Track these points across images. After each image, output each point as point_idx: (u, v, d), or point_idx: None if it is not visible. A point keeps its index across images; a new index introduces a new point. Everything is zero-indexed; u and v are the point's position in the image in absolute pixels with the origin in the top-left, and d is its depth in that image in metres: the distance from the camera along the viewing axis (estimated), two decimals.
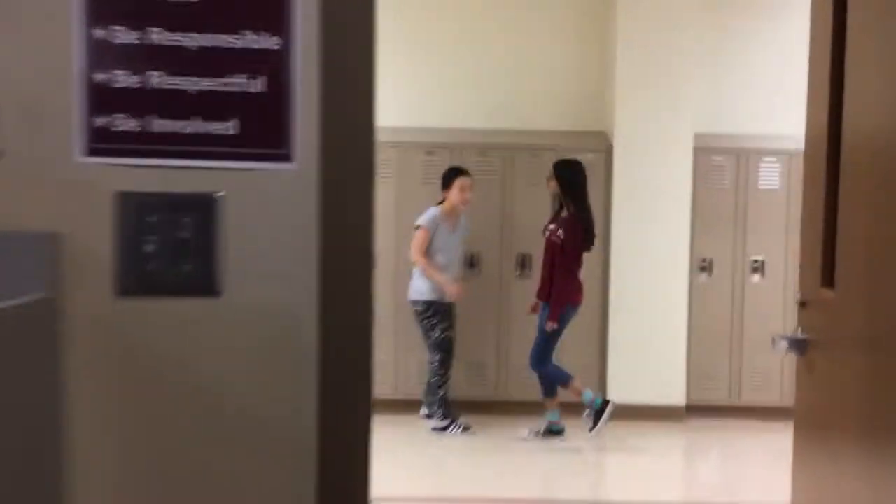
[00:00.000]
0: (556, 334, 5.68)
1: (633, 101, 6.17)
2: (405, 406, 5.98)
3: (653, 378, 6.19)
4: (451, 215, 5.81)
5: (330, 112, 1.34)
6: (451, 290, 5.70)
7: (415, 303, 5.80)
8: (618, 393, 6.04)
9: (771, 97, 6.49)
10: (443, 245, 5.76)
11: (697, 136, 6.20)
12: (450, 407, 5.85)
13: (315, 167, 1.34)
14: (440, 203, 5.83)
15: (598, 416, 5.81)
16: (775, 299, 6.26)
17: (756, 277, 6.30)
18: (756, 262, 6.29)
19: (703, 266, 6.31)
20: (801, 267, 2.67)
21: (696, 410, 6.27)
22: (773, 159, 6.28)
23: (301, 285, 1.36)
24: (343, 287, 1.41)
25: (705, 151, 6.25)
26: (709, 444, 6.00)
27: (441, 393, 5.82)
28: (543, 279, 5.75)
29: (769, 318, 6.26)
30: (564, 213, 5.67)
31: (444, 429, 5.81)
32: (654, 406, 6.16)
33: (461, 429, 5.80)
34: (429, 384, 5.85)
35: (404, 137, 6.21)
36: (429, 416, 5.99)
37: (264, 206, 1.35)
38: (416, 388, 6.10)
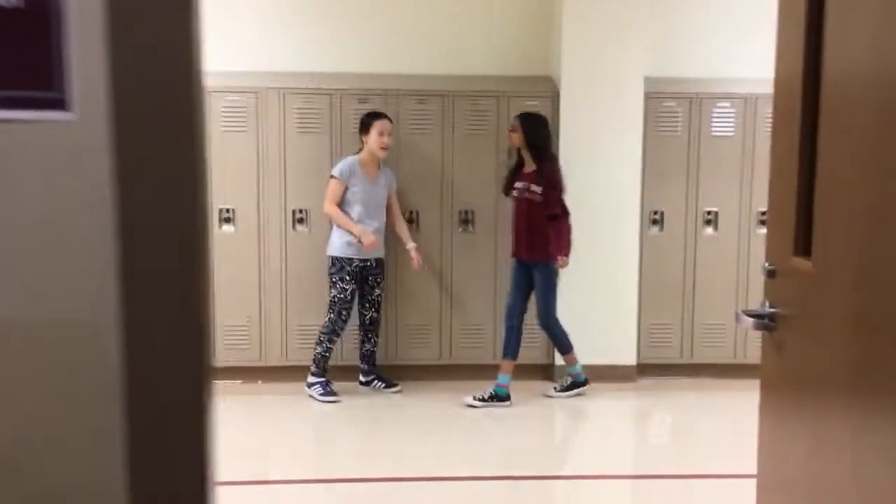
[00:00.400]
0: (552, 285, 5.42)
1: (581, 44, 5.76)
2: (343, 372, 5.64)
3: (603, 337, 5.89)
4: (370, 163, 5.40)
5: (124, 39, 0.91)
6: (367, 240, 5.32)
7: (328, 259, 5.43)
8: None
9: (726, 38, 6.13)
10: (362, 196, 5.36)
11: (648, 81, 5.82)
12: (324, 369, 5.48)
13: (104, 118, 0.92)
14: (358, 152, 5.40)
15: (571, 387, 5.54)
16: (728, 253, 5.99)
17: (709, 230, 6.00)
18: (709, 213, 5.99)
19: (654, 219, 5.98)
20: (769, 231, 2.31)
21: (647, 370, 6.01)
22: (728, 104, 5.95)
23: (92, 293, 0.94)
24: (159, 288, 1.00)
25: (656, 97, 5.88)
26: (661, 406, 5.74)
27: (318, 350, 5.45)
28: (518, 238, 5.43)
29: (722, 272, 5.99)
30: (528, 169, 5.32)
31: (312, 388, 5.46)
32: (604, 366, 5.88)
33: (329, 395, 5.43)
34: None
35: (335, 84, 5.75)
36: (364, 383, 5.63)
37: (26, 173, 0.93)
38: (354, 353, 5.74)
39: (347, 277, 5.39)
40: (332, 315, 5.44)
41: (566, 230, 5.38)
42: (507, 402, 5.44)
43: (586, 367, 5.75)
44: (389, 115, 5.59)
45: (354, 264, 5.39)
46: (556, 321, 5.50)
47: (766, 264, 2.25)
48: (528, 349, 5.68)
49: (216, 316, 5.73)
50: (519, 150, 5.45)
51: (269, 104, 5.66)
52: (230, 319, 5.74)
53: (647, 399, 5.81)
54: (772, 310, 2.20)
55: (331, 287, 5.44)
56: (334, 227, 5.43)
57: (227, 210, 5.68)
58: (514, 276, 5.54)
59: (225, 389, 5.68)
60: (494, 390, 5.44)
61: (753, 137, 5.92)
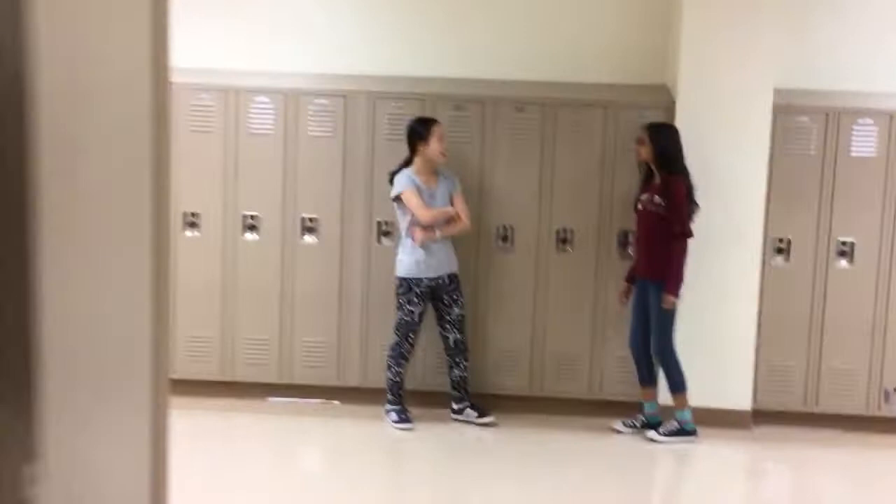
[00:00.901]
0: (673, 314, 4.90)
1: (702, 48, 5.17)
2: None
3: (716, 377, 5.25)
4: (427, 173, 4.99)
5: None
6: (450, 210, 4.99)
7: (395, 280, 5.08)
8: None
9: (868, 49, 5.43)
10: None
11: (778, 92, 5.17)
12: (401, 397, 5.08)
13: None
14: (405, 164, 4.99)
15: (677, 433, 4.96)
16: (865, 288, 5.26)
17: (843, 262, 5.28)
18: (844, 244, 5.27)
19: (779, 247, 5.31)
20: None
21: (764, 417, 5.32)
22: (870, 121, 5.22)
23: None
24: None
25: (787, 110, 5.22)
26: (778, 457, 5.05)
27: (388, 376, 5.07)
28: (640, 257, 4.98)
29: (857, 311, 5.26)
30: (657, 180, 4.86)
31: (388, 415, 5.08)
32: (715, 410, 5.23)
33: (406, 423, 5.02)
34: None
35: (429, 89, 5.36)
36: (455, 412, 5.18)
37: None
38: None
39: (415, 299, 5.00)
40: (397, 338, 5.06)
41: (678, 254, 4.81)
42: (694, 436, 4.97)
43: (695, 410, 5.14)
44: (487, 124, 5.18)
45: (423, 285, 4.99)
46: (672, 352, 4.94)
47: None
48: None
49: (293, 331, 5.42)
50: (648, 164, 4.93)
51: (358, 109, 5.32)
52: (308, 335, 5.41)
53: (763, 451, 5.12)
54: None
55: (397, 309, 5.06)
56: (402, 246, 5.05)
57: (312, 220, 5.37)
58: (635, 299, 5.05)
59: (300, 409, 5.36)
60: (683, 427, 4.97)
61: None
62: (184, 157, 5.22)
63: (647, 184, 4.98)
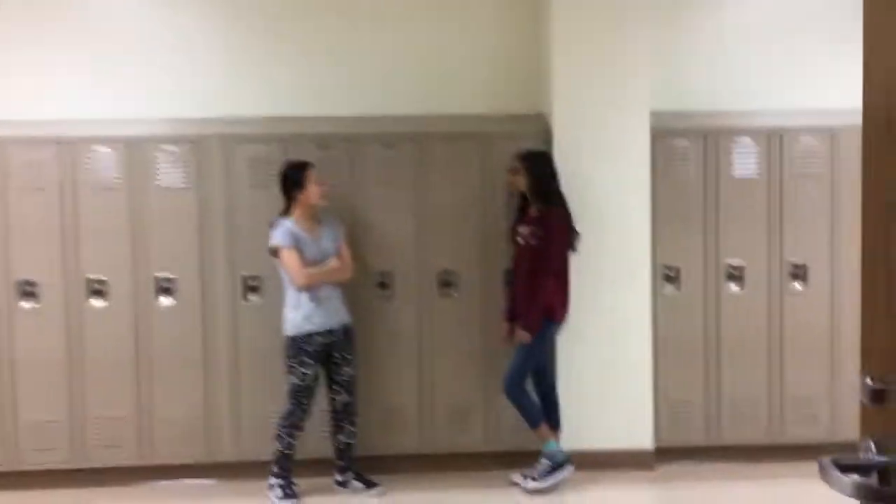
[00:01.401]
0: (533, 354, 4.58)
1: (574, 73, 4.94)
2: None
3: (613, 417, 4.97)
4: (308, 219, 4.57)
5: None
6: (334, 265, 4.57)
7: (284, 340, 4.56)
8: (569, 436, 4.81)
9: (742, 68, 5.34)
10: (311, 261, 4.51)
11: (654, 115, 4.98)
12: (288, 471, 4.59)
13: None
14: (284, 212, 4.57)
15: (551, 471, 4.61)
16: (756, 310, 5.08)
17: (733, 287, 5.10)
18: (734, 268, 5.10)
19: (668, 275, 5.10)
20: (865, 321, 1.44)
21: (667, 454, 5.07)
22: (749, 140, 5.09)
23: None
24: None
25: (664, 134, 5.04)
26: (683, 498, 4.78)
27: (278, 447, 4.56)
28: (518, 294, 4.63)
29: (749, 333, 5.08)
30: (534, 212, 4.54)
31: (272, 490, 4.56)
32: (614, 451, 4.96)
33: (291, 500, 4.54)
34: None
35: (289, 129, 4.93)
36: (340, 483, 4.70)
37: None
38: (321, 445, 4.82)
39: (307, 360, 4.51)
40: (290, 405, 4.54)
41: (546, 289, 4.52)
42: (569, 465, 4.66)
43: (593, 454, 4.85)
44: (356, 163, 4.81)
45: (315, 343, 4.51)
46: (520, 389, 4.65)
47: (868, 380, 1.38)
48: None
49: (150, 405, 4.84)
50: (523, 194, 4.63)
51: (212, 154, 4.84)
52: (170, 409, 4.85)
53: (668, 492, 4.85)
54: (882, 459, 1.32)
55: (288, 373, 4.54)
56: (287, 303, 4.56)
57: (168, 280, 4.82)
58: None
59: (163, 491, 4.77)
60: (552, 459, 4.64)
61: (783, 178, 5.07)
62: (14, 219, 4.64)
63: (523, 214, 4.69)
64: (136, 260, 4.80)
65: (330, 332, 4.54)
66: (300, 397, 4.52)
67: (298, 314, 4.48)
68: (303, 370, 4.48)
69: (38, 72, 5.04)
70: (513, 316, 4.74)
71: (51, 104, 5.02)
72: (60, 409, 4.79)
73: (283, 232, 4.48)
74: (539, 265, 4.52)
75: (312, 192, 4.52)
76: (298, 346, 4.47)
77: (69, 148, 4.76)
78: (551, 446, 4.65)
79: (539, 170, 4.60)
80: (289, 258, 4.44)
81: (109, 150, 4.79)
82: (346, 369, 4.62)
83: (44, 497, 4.70)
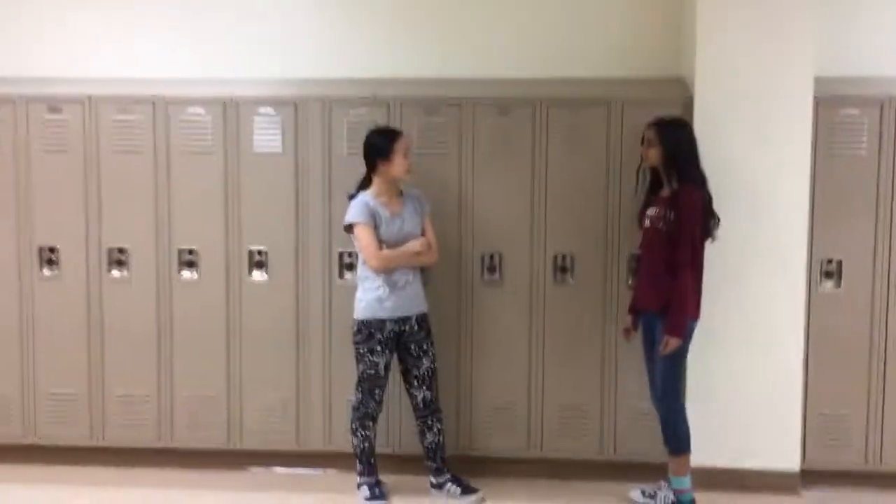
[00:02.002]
0: (682, 356, 3.95)
1: (723, 32, 4.22)
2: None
3: (751, 432, 4.29)
4: (389, 194, 4.09)
5: None
6: (419, 246, 4.09)
7: (353, 324, 4.14)
8: (700, 454, 4.15)
9: None
10: (387, 240, 4.05)
11: (819, 81, 4.21)
12: (372, 466, 4.18)
13: None
14: (364, 184, 4.12)
15: None
16: None
17: None
18: None
19: (828, 270, 4.33)
20: None
21: (815, 478, 4.34)
22: None
23: None
24: None
25: (832, 103, 4.26)
26: None
27: (354, 442, 4.16)
28: (642, 283, 4.04)
29: None
30: (666, 191, 3.90)
31: (359, 490, 4.18)
32: (753, 472, 4.29)
33: (379, 501, 4.12)
34: None
35: (393, 90, 4.46)
36: (435, 486, 4.27)
37: None
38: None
39: (379, 348, 4.07)
40: (360, 395, 4.14)
41: (685, 285, 3.84)
42: None
43: (723, 472, 4.21)
44: (465, 130, 4.32)
45: (388, 329, 4.07)
46: (676, 404, 3.98)
47: None
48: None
49: (242, 390, 4.54)
50: (655, 170, 4.00)
51: (311, 118, 4.44)
52: (259, 398, 4.53)
53: None
54: None
55: (357, 360, 4.12)
56: (360, 284, 4.13)
57: (260, 253, 4.49)
58: (642, 333, 4.10)
59: (251, 479, 4.47)
60: (679, 498, 4.02)
61: None
62: (106, 183, 4.41)
63: (654, 194, 4.05)
64: (228, 231, 4.48)
65: (404, 320, 4.08)
66: (372, 387, 4.10)
67: (371, 297, 4.05)
68: (373, 358, 4.05)
69: (129, 30, 4.78)
70: (636, 309, 4.11)
71: (144, 62, 4.75)
72: (149, 384, 4.55)
73: (359, 206, 4.04)
74: (669, 254, 3.86)
75: (398, 163, 4.04)
76: (369, 332, 4.04)
77: (162, 108, 4.47)
78: (684, 483, 4.01)
79: (675, 141, 3.92)
80: (363, 236, 4.01)
81: (203, 111, 4.47)
82: (425, 362, 4.16)
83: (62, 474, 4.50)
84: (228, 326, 4.51)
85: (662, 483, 4.12)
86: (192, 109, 4.47)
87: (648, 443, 4.25)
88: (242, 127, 4.45)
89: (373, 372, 4.08)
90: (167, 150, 4.47)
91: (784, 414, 4.28)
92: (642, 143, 4.02)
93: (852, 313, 4.31)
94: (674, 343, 3.84)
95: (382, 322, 4.05)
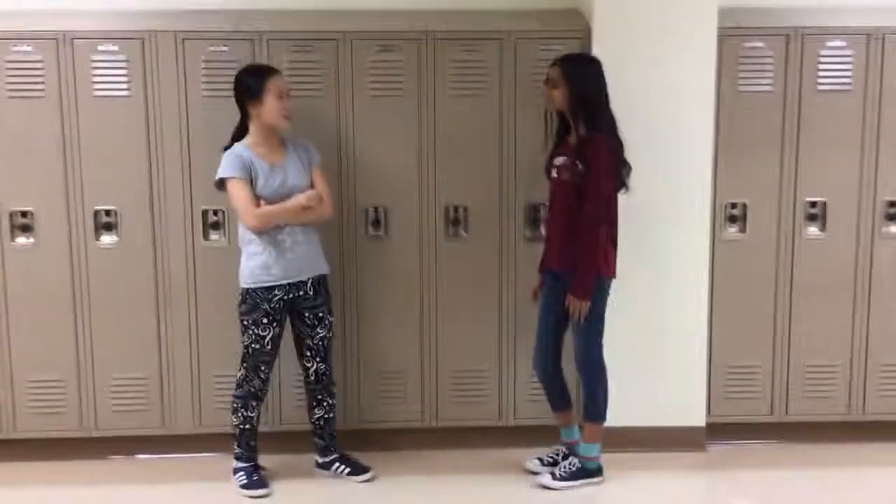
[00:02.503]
0: (599, 318, 3.61)
1: None
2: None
3: (655, 387, 4.07)
4: (269, 143, 3.59)
5: None
6: (304, 200, 3.58)
7: (239, 292, 3.64)
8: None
9: None
10: (268, 194, 3.55)
11: (723, 12, 3.91)
12: (252, 449, 3.75)
13: None
14: (238, 133, 3.61)
15: (578, 475, 3.72)
16: (840, 257, 4.10)
17: (813, 228, 4.10)
18: (813, 204, 4.08)
19: (732, 214, 4.10)
20: None
21: (720, 431, 4.17)
22: (842, 44, 4.01)
23: None
24: None
25: (735, 35, 3.97)
26: (743, 488, 3.88)
27: (234, 422, 3.71)
28: (551, 240, 3.65)
29: (829, 285, 4.10)
30: (573, 138, 3.52)
31: (235, 476, 3.73)
32: (659, 429, 4.08)
33: (258, 489, 3.67)
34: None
35: (259, 26, 3.90)
36: (321, 466, 3.87)
37: None
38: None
39: (266, 320, 3.59)
40: (244, 372, 3.66)
41: (591, 240, 3.50)
42: (599, 477, 3.75)
43: (628, 431, 3.98)
44: (343, 69, 3.82)
45: (276, 298, 3.59)
46: (599, 365, 3.69)
47: None
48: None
49: (94, 369, 3.98)
50: (562, 114, 3.60)
51: (162, 55, 3.84)
52: (117, 371, 3.99)
53: (721, 477, 3.95)
54: None
55: (242, 333, 3.64)
56: (242, 249, 3.63)
57: (107, 214, 3.90)
58: (543, 299, 3.74)
59: (113, 468, 3.95)
60: (584, 465, 3.73)
61: (879, 91, 4.01)
62: None
63: (561, 140, 3.68)
64: (69, 190, 3.87)
65: (297, 286, 3.61)
66: (257, 363, 3.63)
67: (255, 263, 3.55)
68: (258, 331, 3.58)
69: None
70: (544, 266, 3.76)
71: None
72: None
73: (230, 159, 3.51)
74: (578, 206, 3.50)
75: (272, 107, 3.52)
76: (254, 303, 3.56)
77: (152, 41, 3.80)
78: (595, 451, 3.74)
79: (583, 81, 3.53)
80: (237, 192, 3.49)
81: (31, 49, 3.80)
82: (320, 331, 3.71)
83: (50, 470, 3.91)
84: (75, 298, 3.93)
85: (561, 449, 3.85)
86: (17, 48, 3.79)
87: (545, 406, 3.95)
88: (80, 67, 3.81)
89: (258, 346, 3.60)
90: None
91: (689, 367, 4.07)
92: (546, 82, 3.62)
93: (756, 261, 4.10)
94: (577, 304, 3.52)
95: (270, 290, 3.55)
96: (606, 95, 3.56)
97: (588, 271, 3.51)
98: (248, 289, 3.57)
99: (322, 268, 3.71)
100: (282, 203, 3.54)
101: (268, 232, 3.53)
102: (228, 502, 3.65)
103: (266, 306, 3.56)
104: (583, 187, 3.48)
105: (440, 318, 4.06)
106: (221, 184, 3.53)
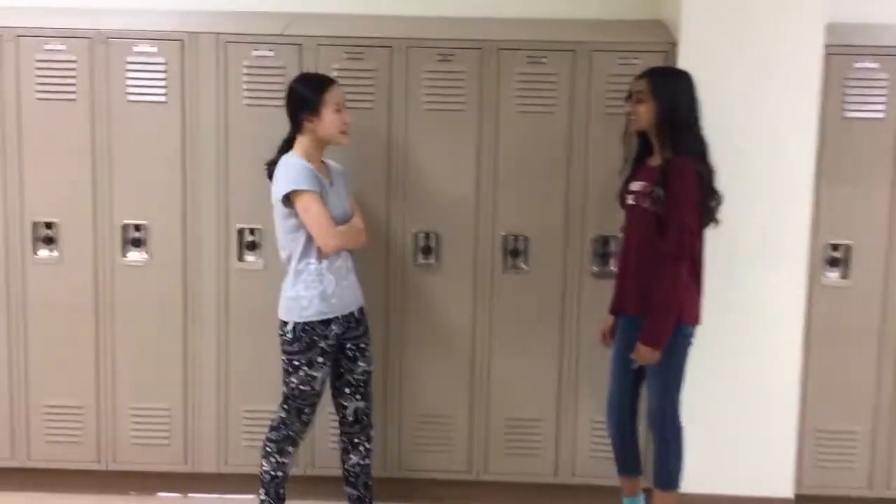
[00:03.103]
0: (674, 367, 3.13)
1: None
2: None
3: (737, 452, 3.57)
4: (318, 160, 3.21)
5: None
6: (360, 224, 3.26)
7: (284, 328, 3.22)
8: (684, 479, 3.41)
9: None
10: (335, 214, 3.16)
11: (832, 29, 3.43)
12: (279, 497, 3.31)
13: None
14: (287, 144, 3.20)
15: None
16: None
17: None
18: None
19: (833, 257, 3.59)
20: None
21: None
22: None
23: None
24: None
25: (845, 53, 3.48)
26: None
27: (265, 468, 3.28)
28: (624, 277, 3.20)
29: None
30: (657, 161, 3.08)
31: None
32: (741, 499, 3.57)
33: None
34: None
35: (306, 31, 3.57)
36: None
37: None
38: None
39: (321, 359, 3.19)
40: (284, 414, 3.27)
41: (670, 281, 3.02)
42: None
43: (706, 499, 3.50)
44: (397, 81, 3.45)
45: (333, 333, 3.20)
46: (675, 424, 3.20)
47: None
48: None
49: (115, 396, 3.67)
50: (644, 135, 3.17)
51: (202, 59, 3.53)
52: (138, 400, 3.67)
53: None
54: None
55: (289, 374, 3.22)
56: (292, 278, 3.19)
57: (137, 228, 3.60)
58: (618, 343, 3.28)
59: None
60: None
61: None
62: None
63: (640, 164, 3.23)
64: (96, 201, 3.58)
65: (347, 317, 3.23)
66: (301, 406, 3.24)
67: (313, 292, 3.15)
68: (311, 371, 3.18)
69: None
70: (616, 306, 3.30)
71: None
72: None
73: (300, 170, 3.10)
74: (657, 239, 3.04)
75: (329, 120, 3.15)
76: (311, 340, 3.16)
77: (11, 44, 3.53)
78: None
79: (673, 96, 3.07)
80: (315, 207, 3.07)
81: (65, 48, 3.54)
82: (361, 364, 3.31)
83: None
84: (98, 318, 3.62)
85: None
86: (49, 46, 3.53)
87: (611, 464, 3.49)
88: (113, 69, 3.52)
89: (307, 388, 3.19)
90: (17, 98, 3.54)
91: (777, 432, 3.56)
92: (628, 98, 3.18)
93: (860, 308, 3.58)
94: (646, 354, 3.05)
95: (327, 324, 3.16)
96: (698, 115, 3.10)
97: (664, 316, 3.04)
98: (304, 324, 3.15)
99: (362, 298, 3.33)
100: (348, 224, 3.18)
101: (328, 257, 3.15)
102: None
103: (323, 344, 3.16)
104: (664, 217, 3.01)
105: (493, 358, 3.63)
106: (287, 199, 3.15)
